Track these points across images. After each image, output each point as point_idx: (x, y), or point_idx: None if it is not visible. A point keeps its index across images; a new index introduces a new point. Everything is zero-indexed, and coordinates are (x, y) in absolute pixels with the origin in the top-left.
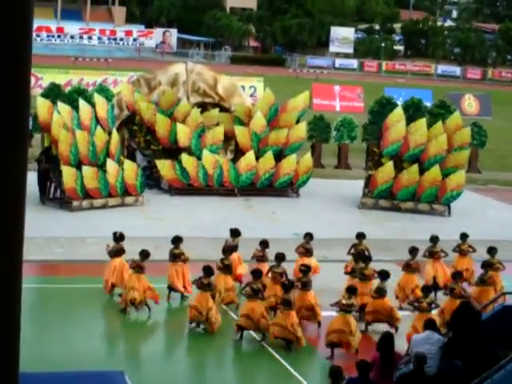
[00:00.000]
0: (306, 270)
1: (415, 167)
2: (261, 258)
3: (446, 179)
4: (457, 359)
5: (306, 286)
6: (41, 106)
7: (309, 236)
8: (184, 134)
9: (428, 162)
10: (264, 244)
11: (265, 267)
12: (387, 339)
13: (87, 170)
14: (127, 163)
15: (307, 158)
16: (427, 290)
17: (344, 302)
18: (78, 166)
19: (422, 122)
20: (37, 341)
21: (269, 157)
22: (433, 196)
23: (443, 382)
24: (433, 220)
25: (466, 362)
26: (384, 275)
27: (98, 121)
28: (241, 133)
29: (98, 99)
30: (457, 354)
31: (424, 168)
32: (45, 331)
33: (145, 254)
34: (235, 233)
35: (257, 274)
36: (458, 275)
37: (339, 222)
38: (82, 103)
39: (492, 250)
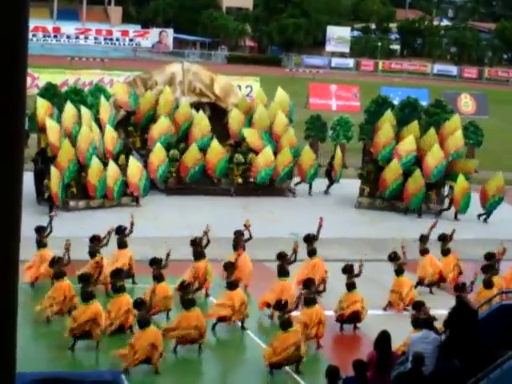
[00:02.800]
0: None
1: (418, 172)
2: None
3: (485, 185)
4: (454, 358)
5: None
6: (40, 106)
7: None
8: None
9: (432, 175)
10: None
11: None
12: (384, 338)
13: (95, 164)
14: (133, 161)
15: (307, 152)
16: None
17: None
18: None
19: (414, 127)
20: (34, 341)
21: (286, 152)
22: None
23: (440, 382)
24: (429, 219)
25: (462, 361)
26: (308, 284)
27: (98, 123)
28: (249, 134)
29: (104, 103)
30: (454, 353)
31: (431, 184)
32: (42, 331)
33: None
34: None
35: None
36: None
37: (336, 222)
38: (83, 110)
39: None
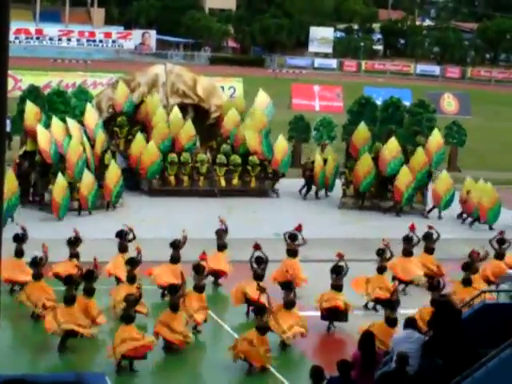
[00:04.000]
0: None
1: (488, 184)
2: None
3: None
4: (437, 358)
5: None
6: (29, 111)
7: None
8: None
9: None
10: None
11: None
12: (368, 338)
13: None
14: (113, 166)
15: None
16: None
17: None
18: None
19: (394, 144)
20: (18, 343)
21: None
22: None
23: (424, 381)
24: (412, 219)
25: (446, 360)
26: (287, 285)
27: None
28: (250, 136)
29: (89, 109)
30: (437, 353)
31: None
32: (25, 333)
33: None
34: None
35: None
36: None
37: (320, 222)
38: (69, 121)
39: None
